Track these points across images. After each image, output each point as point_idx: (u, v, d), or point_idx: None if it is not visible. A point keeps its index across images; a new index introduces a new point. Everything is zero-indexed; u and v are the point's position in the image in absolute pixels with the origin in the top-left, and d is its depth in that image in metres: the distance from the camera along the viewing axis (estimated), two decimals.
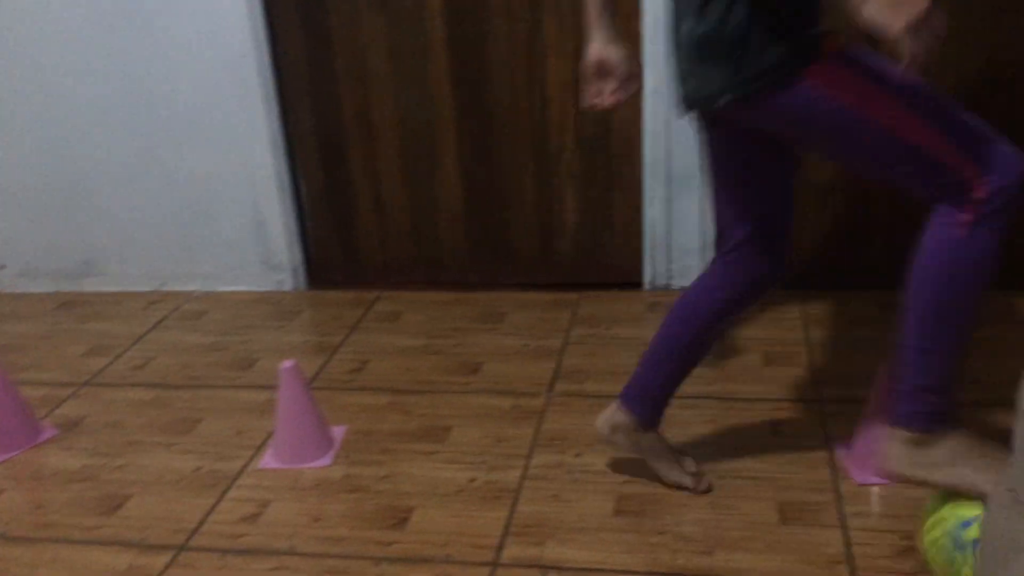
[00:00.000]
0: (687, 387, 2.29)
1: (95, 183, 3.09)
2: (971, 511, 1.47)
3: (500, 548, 1.79)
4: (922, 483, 1.56)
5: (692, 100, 1.61)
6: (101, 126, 3.01)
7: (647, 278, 2.90)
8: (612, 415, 1.89)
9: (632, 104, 2.73)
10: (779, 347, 2.46)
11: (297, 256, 3.11)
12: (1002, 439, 1.68)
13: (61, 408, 2.45)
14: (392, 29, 2.81)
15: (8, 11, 2.91)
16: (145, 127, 2.99)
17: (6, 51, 2.96)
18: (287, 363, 2.12)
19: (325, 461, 2.13)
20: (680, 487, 1.88)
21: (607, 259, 2.95)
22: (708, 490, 1.88)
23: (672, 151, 2.72)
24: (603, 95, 1.69)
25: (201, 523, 1.95)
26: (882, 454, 1.60)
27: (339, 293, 3.08)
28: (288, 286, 3.12)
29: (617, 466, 2.01)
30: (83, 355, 2.75)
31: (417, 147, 2.94)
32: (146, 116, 2.98)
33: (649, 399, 1.87)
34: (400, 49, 2.83)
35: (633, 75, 1.69)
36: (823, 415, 2.13)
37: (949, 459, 1.52)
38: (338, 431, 2.24)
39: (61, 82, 2.97)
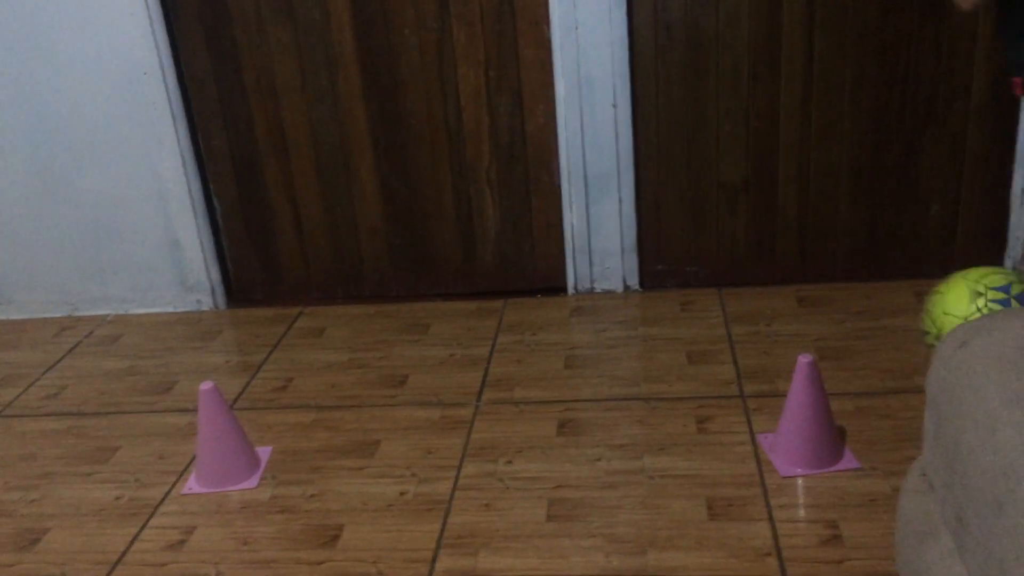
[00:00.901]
0: (614, 389, 2.33)
1: None
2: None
3: (433, 561, 1.78)
4: None
5: None
6: None
7: (570, 283, 2.93)
8: None
9: (546, 110, 2.75)
10: (702, 345, 2.51)
11: (215, 275, 3.04)
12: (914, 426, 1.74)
13: None
14: (300, 43, 2.78)
15: None
16: (46, 146, 2.89)
17: None
18: (205, 384, 2.07)
19: (251, 483, 2.09)
20: None
21: (530, 265, 2.96)
22: None
23: (588, 155, 2.75)
24: None
25: (124, 553, 1.89)
26: None
27: (260, 311, 3.02)
28: (207, 306, 3.05)
29: (548, 472, 2.02)
30: None
31: (333, 161, 2.91)
32: (47, 135, 2.88)
33: None
34: (309, 63, 2.80)
35: None
36: (747, 410, 2.18)
37: None
38: (264, 452, 2.20)
39: None
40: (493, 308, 2.88)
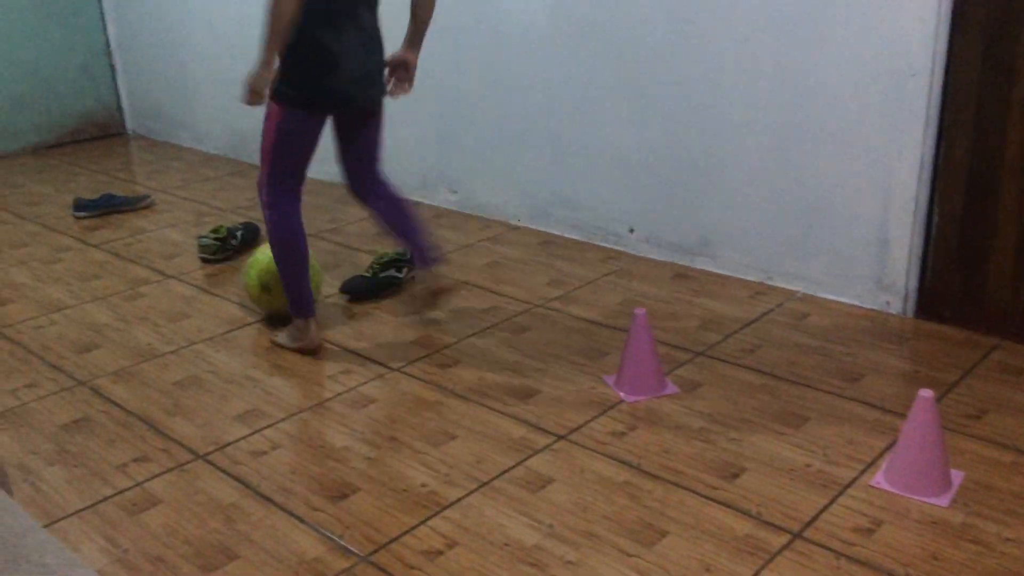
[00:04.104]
0: None
1: (722, 170, 3.31)
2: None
3: None
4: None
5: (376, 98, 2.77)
6: (738, 117, 3.20)
7: None
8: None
9: None
10: None
11: (912, 282, 3.01)
12: None
13: (680, 370, 2.70)
14: None
15: (691, 9, 3.21)
16: (786, 124, 3.11)
17: (669, 44, 3.28)
18: (925, 392, 2.07)
19: (942, 501, 2.06)
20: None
21: None
22: None
23: None
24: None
25: (814, 519, 2.01)
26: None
27: (948, 329, 2.92)
28: (895, 309, 3.05)
29: None
30: (698, 327, 2.97)
31: None
32: (790, 114, 3.09)
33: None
34: None
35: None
36: None
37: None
38: (955, 475, 2.15)
39: (720, 70, 3.21)
40: None
